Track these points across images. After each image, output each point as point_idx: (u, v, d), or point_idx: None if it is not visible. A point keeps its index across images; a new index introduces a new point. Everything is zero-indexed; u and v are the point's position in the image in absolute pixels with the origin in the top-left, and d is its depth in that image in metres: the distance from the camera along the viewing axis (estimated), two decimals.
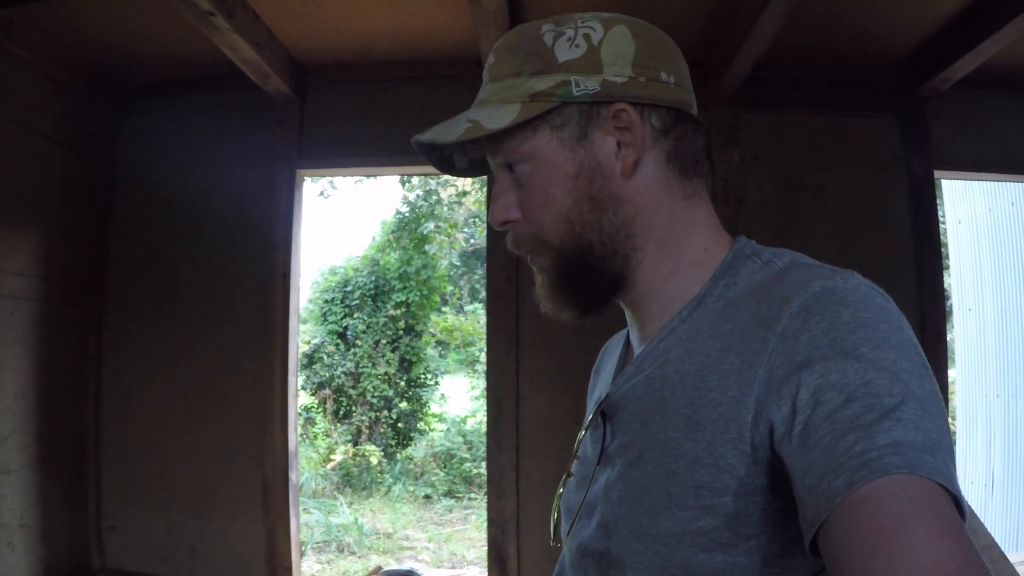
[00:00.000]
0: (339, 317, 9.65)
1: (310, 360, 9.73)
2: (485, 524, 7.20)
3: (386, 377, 9.67)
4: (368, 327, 9.72)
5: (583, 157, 0.93)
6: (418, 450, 9.58)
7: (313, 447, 9.19)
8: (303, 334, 9.25)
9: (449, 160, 1.09)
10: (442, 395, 11.10)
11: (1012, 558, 2.11)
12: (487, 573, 3.86)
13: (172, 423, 3.87)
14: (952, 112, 4.21)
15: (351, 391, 9.51)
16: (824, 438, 0.67)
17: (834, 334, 0.73)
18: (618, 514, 0.89)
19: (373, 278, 9.93)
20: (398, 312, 9.92)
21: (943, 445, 0.66)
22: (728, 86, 3.66)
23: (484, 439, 9.42)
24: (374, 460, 9.05)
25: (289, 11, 3.39)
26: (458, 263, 13.68)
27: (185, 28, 3.25)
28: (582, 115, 0.92)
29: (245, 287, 3.88)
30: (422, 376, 10.21)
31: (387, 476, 8.83)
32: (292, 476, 3.75)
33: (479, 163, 1.08)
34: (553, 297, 1.00)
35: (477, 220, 12.54)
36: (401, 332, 9.92)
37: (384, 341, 9.80)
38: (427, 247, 10.65)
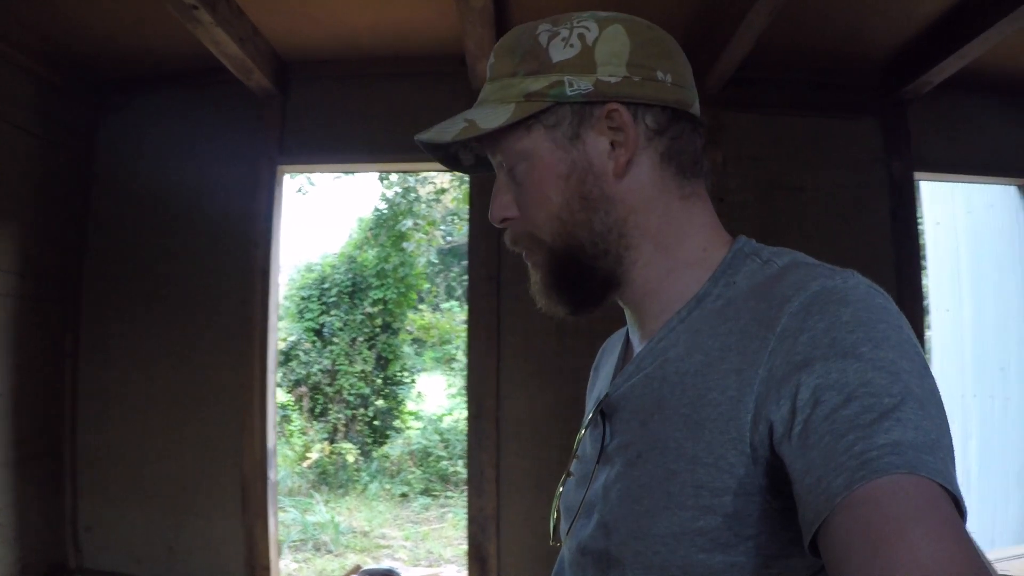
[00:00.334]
0: (316, 314, 9.60)
1: (286, 357, 9.67)
2: (462, 522, 7.22)
3: (363, 375, 9.63)
4: (345, 324, 9.68)
5: (575, 157, 0.94)
6: (394, 448, 9.54)
7: (289, 445, 9.13)
8: (279, 331, 9.20)
9: (455, 158, 1.09)
10: (419, 393, 11.08)
11: (988, 556, 2.13)
12: (467, 572, 3.84)
13: (150, 421, 3.83)
14: (932, 114, 4.25)
15: (327, 389, 9.46)
16: (824, 438, 0.67)
17: (834, 334, 0.73)
18: (617, 514, 0.90)
19: (350, 275, 9.89)
20: (375, 309, 9.88)
21: (943, 445, 0.66)
22: (712, 86, 3.67)
23: (461, 437, 9.47)
24: (350, 458, 9.02)
25: (273, 6, 3.37)
26: (436, 260, 13.65)
27: (167, 21, 3.20)
28: (575, 115, 0.93)
29: (224, 284, 3.85)
30: (399, 374, 10.17)
31: (363, 474, 8.80)
32: (271, 475, 3.72)
33: (485, 160, 1.08)
34: (547, 294, 1.00)
35: (455, 218, 12.50)
36: (378, 330, 9.89)
37: (361, 339, 9.76)
38: (405, 244, 10.60)
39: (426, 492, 8.53)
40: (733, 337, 0.84)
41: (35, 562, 3.57)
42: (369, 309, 9.85)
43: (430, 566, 6.09)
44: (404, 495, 8.41)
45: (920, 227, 4.26)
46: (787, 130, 4.00)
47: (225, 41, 3.19)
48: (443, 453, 9.25)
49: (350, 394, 9.49)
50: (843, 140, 4.10)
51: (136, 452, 3.82)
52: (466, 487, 8.25)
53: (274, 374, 3.90)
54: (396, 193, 10.97)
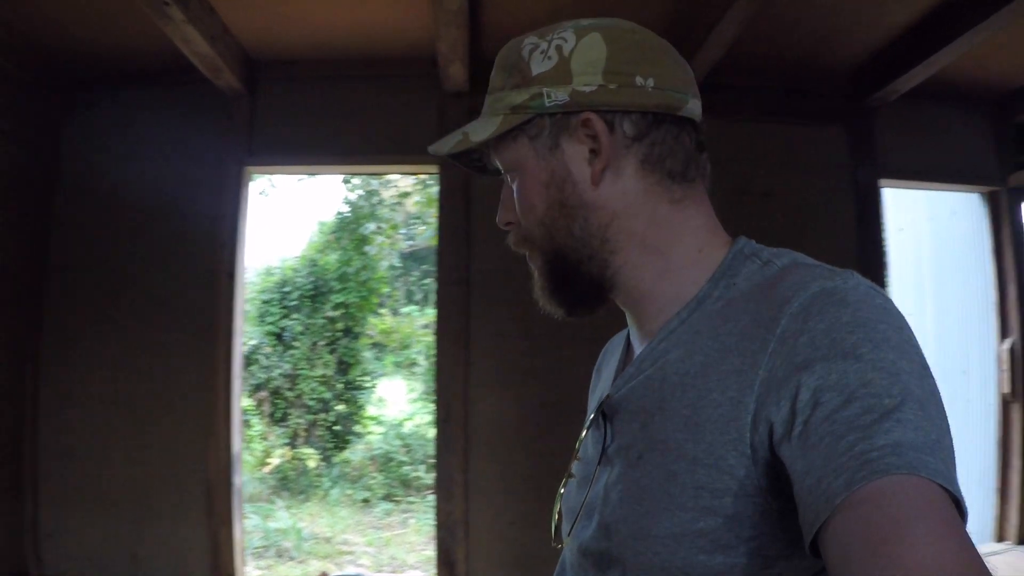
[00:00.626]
0: (277, 318, 9.46)
1: (247, 362, 9.47)
2: (425, 528, 7.18)
3: (324, 379, 9.52)
4: (306, 328, 9.57)
5: (554, 166, 0.98)
6: (356, 453, 9.46)
7: (249, 450, 8.99)
8: None
9: (481, 164, 1.13)
10: (380, 398, 11.01)
11: None
12: None
13: (113, 426, 3.75)
14: (898, 122, 4.33)
15: (288, 393, 9.33)
16: (824, 439, 0.68)
17: (834, 335, 0.74)
18: (618, 515, 0.91)
19: (312, 279, 9.78)
20: (337, 313, 9.78)
21: (943, 446, 0.67)
22: None
23: (423, 442, 9.43)
24: (312, 463, 8.90)
25: (244, 4, 3.34)
26: (399, 264, 13.59)
27: (136, 19, 3.16)
28: (554, 125, 0.97)
29: (190, 286, 3.80)
30: (360, 378, 10.09)
31: (325, 480, 8.70)
32: (236, 480, 3.67)
33: None
34: (543, 296, 1.04)
35: (418, 221, 12.44)
36: (339, 334, 9.79)
37: (322, 343, 9.66)
38: (367, 248, 10.53)
39: (388, 497, 8.44)
40: (733, 338, 0.84)
41: None
42: (330, 313, 9.74)
43: (394, 572, 6.04)
44: (366, 500, 8.32)
45: (884, 233, 4.32)
46: (756, 136, 4.04)
47: (196, 39, 3.15)
48: (405, 458, 9.17)
49: (311, 399, 9.37)
50: (810, 147, 4.16)
51: (99, 457, 3.75)
52: (429, 492, 8.29)
53: (240, 378, 3.85)
54: (359, 196, 10.90)
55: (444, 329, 3.90)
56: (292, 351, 9.44)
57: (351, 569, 5.98)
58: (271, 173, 3.92)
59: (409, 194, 11.53)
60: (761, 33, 3.52)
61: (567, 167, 0.97)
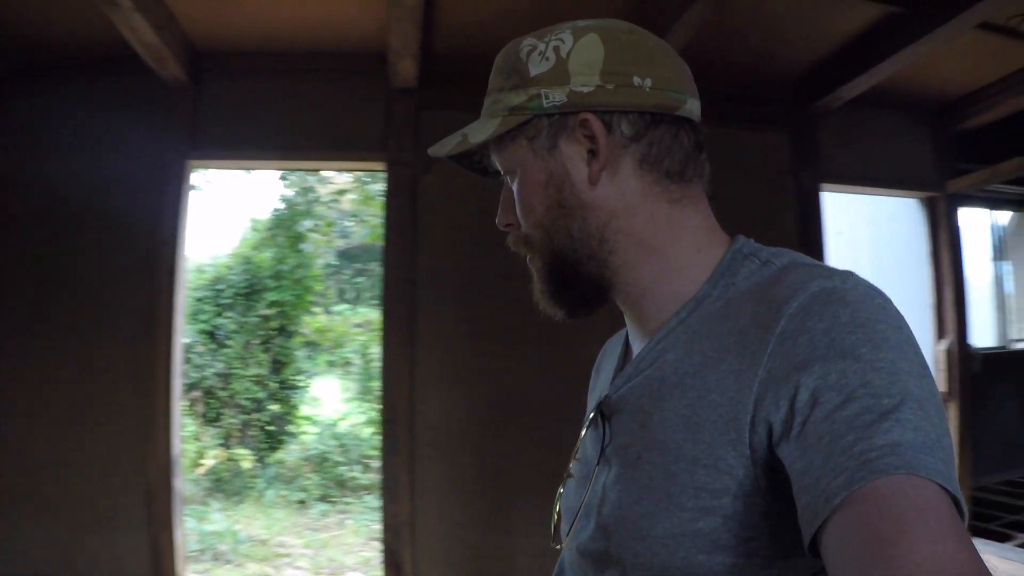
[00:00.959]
0: (210, 316, 9.26)
1: None
2: (363, 529, 7.11)
3: (257, 378, 9.36)
4: (240, 327, 9.39)
5: (552, 166, 0.98)
6: (290, 454, 9.32)
7: (183, 452, 8.80)
8: None
9: (482, 166, 1.15)
10: (314, 397, 10.87)
11: None
12: None
13: (48, 429, 3.60)
14: (841, 129, 4.44)
15: (221, 393, 9.14)
16: (823, 439, 0.69)
17: (833, 335, 0.75)
18: (617, 515, 0.91)
19: (246, 276, 9.60)
20: (271, 312, 9.62)
21: (942, 446, 0.68)
22: None
23: (358, 442, 9.34)
24: (246, 464, 8.73)
25: None
26: (335, 262, 13.44)
27: (77, 6, 3.04)
28: (552, 126, 0.97)
29: (129, 284, 3.66)
30: (293, 378, 9.95)
31: (259, 481, 8.54)
32: (176, 483, 3.56)
33: None
34: (543, 297, 1.05)
35: (354, 220, 12.30)
36: (273, 332, 9.64)
37: (256, 341, 9.49)
38: (303, 245, 10.38)
39: (324, 498, 8.34)
40: (732, 338, 0.85)
41: None
42: (264, 311, 9.58)
43: (333, 574, 5.96)
44: (302, 502, 8.19)
45: (824, 237, 4.41)
46: None
47: (142, 27, 3.04)
48: (340, 458, 9.06)
49: (244, 398, 9.19)
50: (754, 152, 4.23)
51: (32, 462, 3.59)
52: (365, 493, 8.21)
53: (180, 378, 3.74)
54: (295, 193, 10.74)
55: (390, 328, 3.84)
56: (225, 350, 9.25)
57: (288, 572, 5.89)
58: (214, 167, 3.82)
59: (346, 191, 11.40)
60: (710, 40, 3.56)
61: (565, 167, 0.98)
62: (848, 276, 0.82)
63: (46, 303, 3.65)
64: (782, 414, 0.75)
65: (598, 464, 1.00)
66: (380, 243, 12.03)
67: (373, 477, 8.62)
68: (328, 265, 12.68)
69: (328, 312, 13.10)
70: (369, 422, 9.92)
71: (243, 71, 3.84)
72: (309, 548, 6.65)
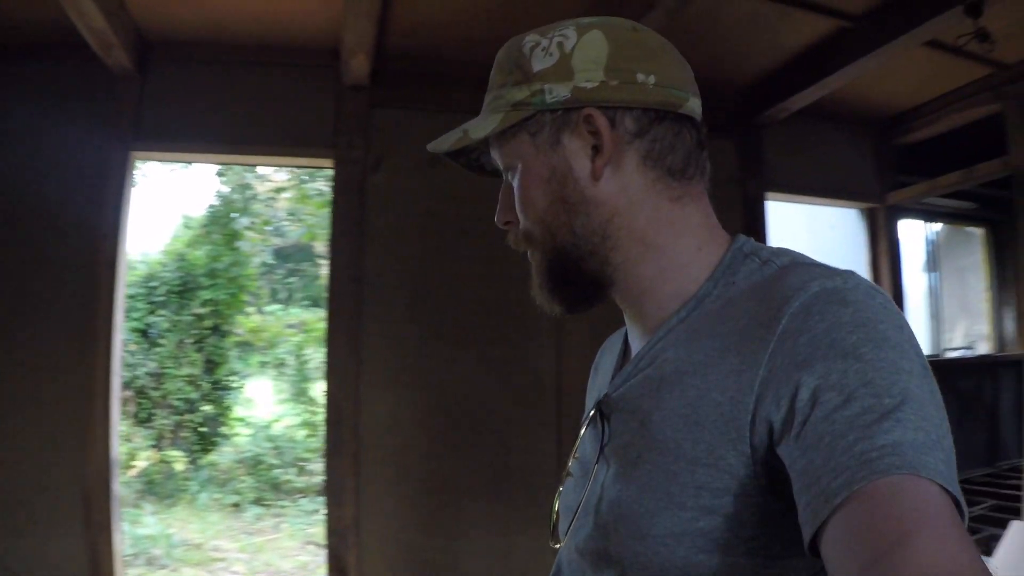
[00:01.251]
0: (142, 314, 9.04)
1: None
2: (299, 533, 7.01)
3: (190, 378, 9.18)
4: (173, 325, 9.19)
5: (555, 162, 0.98)
6: (224, 456, 9.16)
7: None
8: None
9: (479, 163, 1.14)
10: (248, 398, 10.70)
11: None
12: None
13: None
14: (786, 139, 4.54)
15: (153, 393, 8.93)
16: (823, 438, 0.68)
17: (834, 334, 0.74)
18: (617, 514, 0.91)
19: (180, 274, 9.40)
20: (205, 310, 9.45)
21: (943, 446, 0.68)
22: None
23: (292, 444, 9.21)
24: (179, 466, 8.55)
25: None
26: (272, 261, 13.24)
27: None
28: (555, 121, 0.97)
29: (67, 278, 3.50)
30: (227, 378, 9.78)
31: (192, 483, 8.37)
32: (115, 486, 3.44)
33: None
34: (541, 293, 1.04)
35: (291, 218, 12.13)
36: (207, 332, 9.46)
37: (189, 340, 9.30)
38: (239, 243, 10.21)
39: (258, 502, 8.21)
40: (733, 338, 0.85)
41: None
42: (198, 310, 9.40)
43: None
44: (236, 505, 8.06)
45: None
46: None
47: (91, 12, 2.91)
48: (275, 461, 8.93)
49: (177, 399, 9.00)
50: None
51: None
52: (301, 496, 8.10)
53: (119, 376, 3.61)
54: (232, 189, 10.56)
55: (335, 327, 3.79)
56: (158, 349, 9.05)
57: None
58: (159, 159, 3.72)
59: (284, 189, 11.25)
60: None
61: (568, 163, 0.97)
62: (850, 276, 0.82)
63: None
64: (783, 413, 0.74)
65: (597, 463, 1.00)
66: (315, 243, 11.89)
67: (308, 480, 8.52)
68: (263, 264, 12.49)
69: (261, 312, 12.92)
70: (304, 424, 9.81)
71: (191, 61, 3.73)
72: (245, 552, 6.54)
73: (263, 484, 8.61)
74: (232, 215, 10.24)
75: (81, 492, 3.37)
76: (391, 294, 3.86)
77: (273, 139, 3.82)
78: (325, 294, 3.80)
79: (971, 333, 7.39)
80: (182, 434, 9.05)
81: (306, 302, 14.71)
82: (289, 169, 10.70)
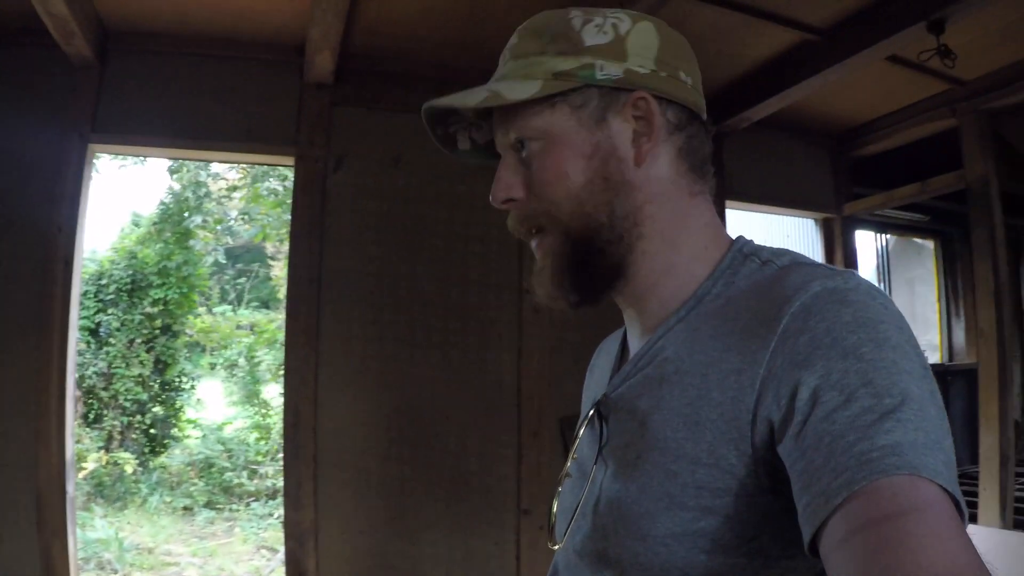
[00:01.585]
0: (92, 312, 8.86)
1: None
2: (251, 538, 6.92)
3: (140, 379, 9.02)
4: (123, 324, 9.02)
5: (600, 139, 0.95)
6: (174, 458, 9.01)
7: None
8: None
9: (453, 138, 1.09)
10: (198, 400, 10.54)
11: None
12: None
13: None
14: (745, 148, 4.60)
15: (103, 393, 8.76)
16: (823, 438, 0.68)
17: (835, 334, 0.74)
18: (616, 515, 0.90)
19: (130, 272, 9.24)
20: (155, 310, 9.29)
21: (943, 447, 0.68)
22: None
23: (244, 447, 9.10)
24: (128, 469, 8.38)
25: None
26: (224, 261, 13.07)
27: None
28: (602, 98, 0.95)
29: (20, 273, 3.40)
30: (177, 379, 9.63)
31: (143, 486, 8.22)
32: (69, 488, 3.35)
33: (481, 147, 1.09)
34: (555, 280, 0.98)
35: (247, 216, 11.99)
36: (157, 331, 9.31)
37: (139, 340, 9.13)
38: (191, 242, 10.06)
39: (210, 505, 8.09)
40: (734, 337, 0.84)
41: None
42: (149, 309, 9.25)
43: None
44: (187, 508, 7.94)
45: None
46: None
47: None
48: (227, 464, 8.81)
49: (127, 399, 8.84)
50: None
51: None
52: (252, 499, 8.00)
53: (73, 375, 3.52)
54: (184, 187, 10.40)
55: (294, 329, 3.74)
56: (107, 348, 8.88)
57: None
58: (118, 152, 3.65)
59: (238, 188, 11.11)
60: None
61: (613, 142, 0.95)
62: (850, 276, 0.81)
63: None
64: (783, 412, 0.74)
65: (595, 464, 0.98)
66: (267, 243, 11.75)
67: (260, 484, 8.43)
68: (217, 263, 12.33)
69: (211, 313, 12.77)
70: (255, 427, 9.70)
71: (153, 52, 3.64)
72: (197, 557, 6.44)
73: (215, 487, 8.49)
74: (184, 213, 10.08)
75: (34, 495, 3.27)
76: (351, 295, 3.82)
77: (234, 135, 3.76)
78: (281, 294, 3.74)
79: (921, 343, 7.53)
80: (132, 436, 8.89)
81: (256, 303, 14.57)
82: (242, 168, 10.58)
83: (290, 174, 5.06)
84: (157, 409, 9.25)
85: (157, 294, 9.29)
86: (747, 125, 4.42)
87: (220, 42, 3.69)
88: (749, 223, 5.80)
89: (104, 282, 9.07)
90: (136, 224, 10.33)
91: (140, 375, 9.01)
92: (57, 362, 3.37)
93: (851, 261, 5.19)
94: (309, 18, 3.22)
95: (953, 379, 6.77)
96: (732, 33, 3.65)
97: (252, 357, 10.84)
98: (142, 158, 10.13)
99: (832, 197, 5.15)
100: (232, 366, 11.43)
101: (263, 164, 8.11)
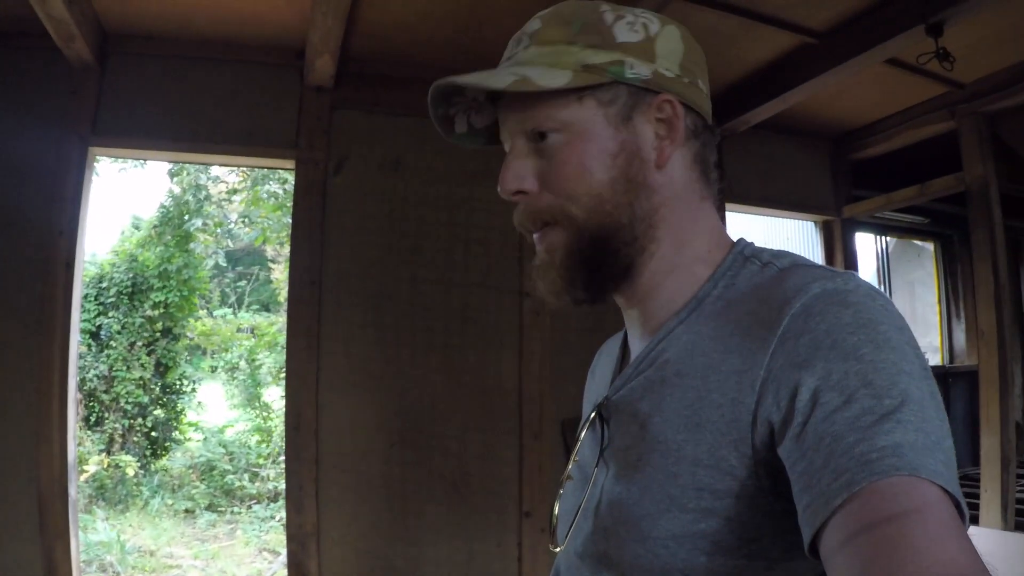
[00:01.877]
0: (93, 315, 8.87)
1: None
2: (253, 540, 6.91)
3: (141, 382, 9.02)
4: (123, 327, 9.03)
5: (625, 138, 0.94)
6: (175, 461, 9.00)
7: None
8: None
9: (451, 120, 1.06)
10: (199, 403, 10.55)
11: None
12: None
13: None
14: (744, 151, 4.59)
15: (104, 396, 8.77)
16: (823, 439, 0.68)
17: (835, 335, 0.74)
18: (617, 517, 0.90)
19: (131, 275, 9.24)
20: (156, 313, 9.30)
21: (943, 448, 0.68)
22: None
23: (246, 450, 9.09)
24: (130, 471, 8.38)
25: None
26: (224, 264, 13.07)
27: None
28: (630, 97, 0.93)
29: (21, 276, 3.40)
30: (178, 382, 9.63)
31: (144, 489, 8.21)
32: (71, 491, 3.34)
33: (478, 132, 1.07)
34: (566, 277, 0.96)
35: (246, 219, 11.98)
36: (158, 334, 9.31)
37: (140, 343, 9.14)
38: (192, 245, 10.06)
39: (211, 508, 8.09)
40: (734, 339, 0.84)
41: None
42: (149, 312, 9.26)
43: None
44: (189, 511, 7.94)
45: None
46: None
47: (52, 1, 2.83)
48: (228, 467, 8.80)
49: (128, 402, 8.84)
50: None
51: None
52: (254, 502, 8.00)
53: (75, 378, 3.52)
54: (184, 190, 10.40)
55: (295, 331, 3.74)
56: (108, 351, 8.88)
57: None
58: (118, 155, 3.65)
59: (238, 191, 11.10)
60: None
61: (637, 143, 0.94)
62: (850, 277, 0.82)
63: None
64: (783, 414, 0.74)
65: (596, 466, 0.98)
66: (267, 246, 11.74)
67: (262, 486, 8.42)
68: (217, 266, 12.33)
69: (212, 315, 12.78)
70: (256, 430, 9.70)
71: (153, 56, 3.65)
72: (199, 559, 6.44)
73: (216, 490, 8.48)
74: (185, 216, 10.08)
75: (35, 498, 3.27)
76: (352, 298, 3.82)
77: (234, 138, 3.76)
78: (281, 297, 3.74)
79: (922, 345, 7.53)
80: (133, 438, 8.89)
81: (256, 306, 14.58)
82: (242, 171, 10.58)
83: (290, 177, 5.07)
84: (158, 412, 9.25)
85: (158, 297, 9.30)
86: (746, 128, 4.43)
87: (220, 45, 3.70)
88: (750, 226, 5.80)
89: (105, 285, 9.08)
90: (136, 227, 10.36)
91: (141, 378, 9.01)
92: (58, 365, 3.37)
93: (851, 263, 5.19)
94: (309, 22, 3.22)
95: (954, 381, 6.76)
96: (731, 36, 3.65)
97: (253, 360, 10.84)
98: (142, 161, 10.10)
99: (832, 199, 5.15)
100: (233, 369, 11.44)
101: (263, 167, 8.12)
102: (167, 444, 9.24)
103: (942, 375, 6.84)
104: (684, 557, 0.81)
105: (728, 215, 4.67)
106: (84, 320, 8.67)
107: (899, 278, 7.97)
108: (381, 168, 3.90)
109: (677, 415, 0.86)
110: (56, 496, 3.27)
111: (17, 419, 3.32)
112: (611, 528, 0.90)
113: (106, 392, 8.77)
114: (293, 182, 3.90)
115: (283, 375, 3.79)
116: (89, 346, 8.80)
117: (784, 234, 5.62)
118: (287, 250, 4.06)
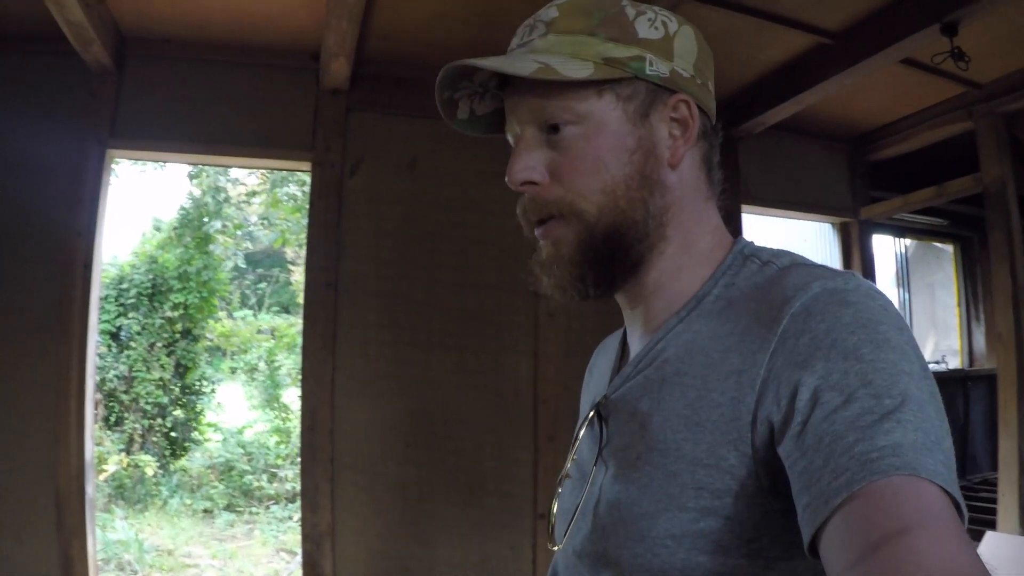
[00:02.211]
0: (113, 316, 8.93)
1: None
2: (271, 540, 6.94)
3: (161, 382, 9.07)
4: (143, 328, 9.08)
5: (642, 135, 0.93)
6: (194, 461, 9.05)
7: None
8: None
9: (455, 105, 1.04)
10: (218, 403, 10.60)
11: None
12: None
13: None
14: (761, 153, 4.57)
15: (123, 396, 8.82)
16: (823, 439, 0.68)
17: (835, 335, 0.74)
18: (616, 516, 0.89)
19: (151, 276, 9.30)
20: (175, 314, 9.35)
21: (943, 448, 0.67)
22: None
23: (264, 451, 9.14)
24: (149, 471, 8.43)
25: None
26: (244, 265, 13.13)
27: None
28: (648, 94, 0.93)
29: (39, 277, 3.44)
30: (198, 383, 9.68)
31: (163, 488, 8.25)
32: (88, 489, 3.38)
33: (479, 119, 1.06)
34: (575, 272, 0.95)
35: (266, 221, 12.05)
36: (178, 335, 9.36)
37: (160, 344, 9.19)
38: (211, 247, 10.12)
39: (230, 508, 8.12)
40: (734, 338, 0.84)
41: None
42: (169, 313, 9.31)
43: None
44: (207, 511, 7.97)
45: None
46: None
47: (70, 5, 2.87)
48: (247, 467, 8.83)
49: (147, 403, 8.90)
50: None
51: None
52: (272, 503, 8.03)
53: (93, 378, 3.56)
54: (204, 192, 10.46)
55: (311, 333, 3.75)
56: (128, 352, 8.94)
57: None
58: (136, 158, 3.68)
59: (257, 193, 11.17)
60: None
61: (652, 140, 0.94)
62: (850, 277, 0.81)
63: None
64: (783, 413, 0.74)
65: (595, 465, 0.98)
66: (286, 248, 11.78)
67: (280, 487, 8.45)
68: (237, 268, 12.39)
69: (231, 317, 12.84)
70: (275, 431, 9.73)
71: (170, 59, 3.68)
72: (217, 559, 6.46)
73: (235, 490, 8.52)
74: (204, 218, 10.13)
75: (53, 496, 3.31)
76: (367, 299, 3.84)
77: (251, 140, 3.79)
78: (300, 299, 3.76)
79: (941, 347, 7.49)
80: (152, 438, 8.94)
81: (276, 308, 14.63)
82: (261, 173, 10.64)
83: (308, 179, 5.12)
84: (177, 412, 9.31)
85: (177, 298, 9.34)
86: (762, 129, 4.41)
87: (236, 49, 3.72)
88: (767, 228, 5.78)
89: (125, 286, 9.13)
90: (157, 229, 10.41)
91: (161, 379, 9.06)
92: (77, 365, 3.41)
93: (869, 265, 5.15)
94: (324, 25, 3.24)
95: (973, 385, 6.70)
96: (745, 37, 3.64)
97: (272, 361, 10.89)
98: (161, 163, 10.17)
99: (849, 201, 5.12)
100: (252, 370, 11.50)
101: (280, 169, 8.16)
102: (186, 444, 9.28)
103: (961, 379, 6.78)
104: (683, 556, 0.81)
105: (745, 217, 4.65)
106: (104, 321, 8.73)
107: (918, 280, 7.91)
108: (397, 170, 3.92)
109: (677, 414, 0.86)
110: (73, 494, 3.31)
111: (35, 418, 3.37)
112: (610, 527, 0.90)
113: (126, 392, 8.83)
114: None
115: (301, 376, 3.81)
116: (109, 347, 8.86)
117: (801, 236, 5.59)
118: None
